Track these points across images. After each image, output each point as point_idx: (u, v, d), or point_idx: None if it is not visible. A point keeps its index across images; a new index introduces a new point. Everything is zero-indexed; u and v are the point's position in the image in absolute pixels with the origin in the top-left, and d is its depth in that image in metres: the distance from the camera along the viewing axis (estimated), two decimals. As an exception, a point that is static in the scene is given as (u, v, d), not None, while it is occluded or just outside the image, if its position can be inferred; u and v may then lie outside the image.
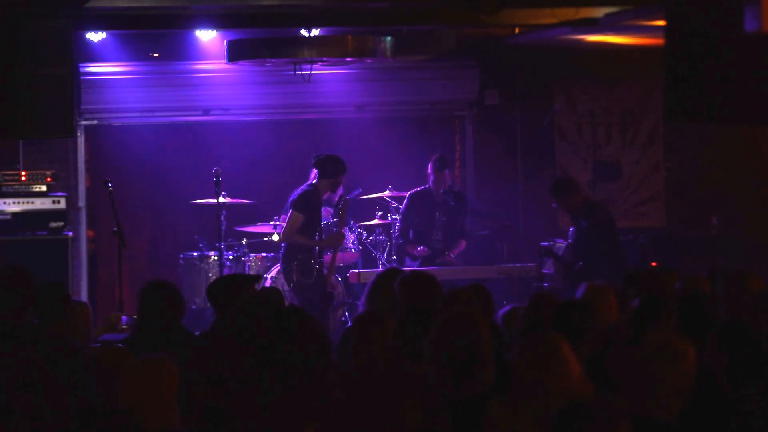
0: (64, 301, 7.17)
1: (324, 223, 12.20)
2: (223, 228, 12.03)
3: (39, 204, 12.49)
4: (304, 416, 5.15)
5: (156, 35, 12.97)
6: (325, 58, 11.92)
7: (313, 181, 11.38)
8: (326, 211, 11.91)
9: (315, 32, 11.84)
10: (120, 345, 6.53)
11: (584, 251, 11.43)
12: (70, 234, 12.51)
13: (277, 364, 5.41)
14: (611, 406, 4.07)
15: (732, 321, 6.29)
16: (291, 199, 11.42)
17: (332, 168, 11.33)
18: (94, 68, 12.99)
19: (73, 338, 7.06)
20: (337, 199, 11.65)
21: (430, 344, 5.36)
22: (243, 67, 12.84)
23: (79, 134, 13.00)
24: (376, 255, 12.25)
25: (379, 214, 12.35)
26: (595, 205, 11.79)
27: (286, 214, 11.50)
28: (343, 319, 11.97)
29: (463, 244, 12.24)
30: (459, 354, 5.22)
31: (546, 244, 12.01)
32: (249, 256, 12.43)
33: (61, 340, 6.81)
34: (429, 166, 12.11)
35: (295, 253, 11.21)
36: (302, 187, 11.47)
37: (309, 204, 11.26)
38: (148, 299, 7.06)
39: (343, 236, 11.62)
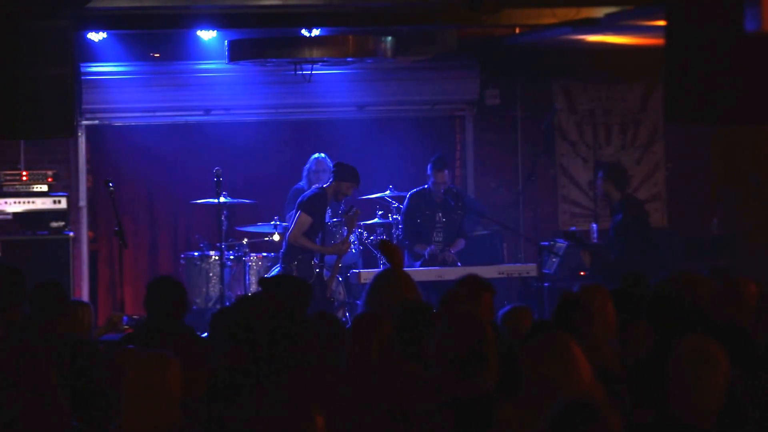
0: (62, 299, 7.19)
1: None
2: (223, 228, 12.04)
3: (40, 204, 12.50)
4: (306, 415, 5.15)
5: (157, 35, 12.98)
6: (325, 58, 11.93)
7: (324, 185, 11.42)
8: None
9: (316, 32, 11.85)
10: (130, 346, 6.54)
11: (618, 244, 11.50)
12: (71, 234, 12.52)
13: (276, 363, 5.42)
14: (605, 404, 4.08)
15: (730, 322, 6.31)
16: (300, 200, 11.43)
17: (341, 173, 11.34)
18: (95, 68, 13.01)
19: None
20: (345, 207, 11.70)
21: (435, 344, 5.36)
22: (244, 67, 12.85)
23: (80, 134, 13.01)
24: (376, 255, 12.25)
25: (380, 213, 12.36)
26: (631, 200, 11.90)
27: (288, 214, 11.51)
28: (344, 319, 11.98)
29: (462, 242, 12.25)
30: (463, 354, 5.22)
31: (546, 243, 12.01)
32: (250, 256, 12.43)
33: (62, 338, 6.83)
34: (428, 166, 12.10)
35: (296, 253, 11.22)
36: (312, 189, 11.50)
37: (317, 207, 11.28)
38: (151, 294, 7.08)
39: (349, 245, 11.63)
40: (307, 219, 11.21)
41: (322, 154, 12.45)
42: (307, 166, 12.43)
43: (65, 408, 5.38)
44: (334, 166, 11.54)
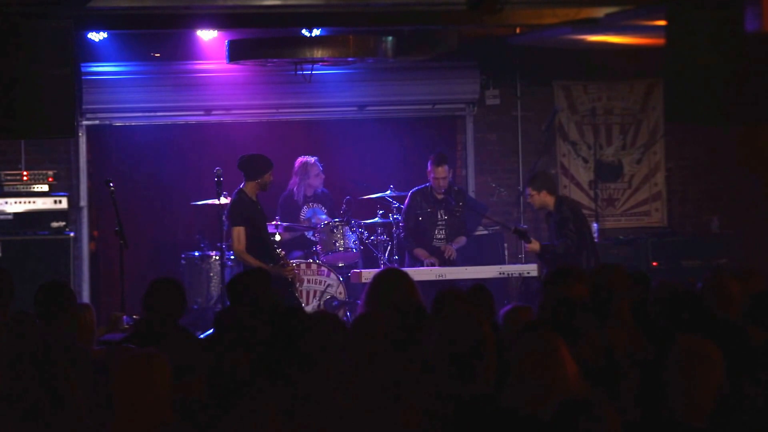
0: (68, 300, 7.18)
1: (325, 223, 12.21)
2: (224, 228, 12.03)
3: (41, 204, 12.52)
4: (304, 415, 5.16)
5: (157, 35, 12.98)
6: (326, 58, 11.93)
7: (240, 187, 11.11)
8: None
9: (316, 32, 11.85)
10: (131, 345, 6.54)
11: (560, 237, 11.69)
12: (72, 234, 12.53)
13: (276, 362, 5.42)
14: (603, 403, 4.09)
15: (725, 320, 6.32)
16: (224, 214, 11.19)
17: (254, 169, 11.08)
18: (95, 68, 13.01)
19: (78, 340, 7.08)
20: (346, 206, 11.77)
21: (432, 344, 5.36)
22: (244, 67, 12.86)
23: (80, 134, 13.02)
24: (377, 255, 12.26)
25: (381, 213, 12.36)
26: (566, 199, 12.08)
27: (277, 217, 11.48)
28: (344, 319, 11.98)
29: (463, 239, 12.25)
30: (461, 353, 5.22)
31: (547, 243, 12.02)
32: (250, 256, 12.43)
33: (64, 339, 6.83)
34: (428, 162, 12.09)
35: (246, 266, 11.01)
36: (231, 197, 11.17)
37: (242, 213, 10.96)
38: (150, 294, 7.09)
39: (292, 274, 11.30)
40: (239, 230, 10.92)
41: (311, 158, 12.51)
42: (295, 170, 12.49)
43: (83, 409, 5.39)
44: (240, 167, 11.10)
